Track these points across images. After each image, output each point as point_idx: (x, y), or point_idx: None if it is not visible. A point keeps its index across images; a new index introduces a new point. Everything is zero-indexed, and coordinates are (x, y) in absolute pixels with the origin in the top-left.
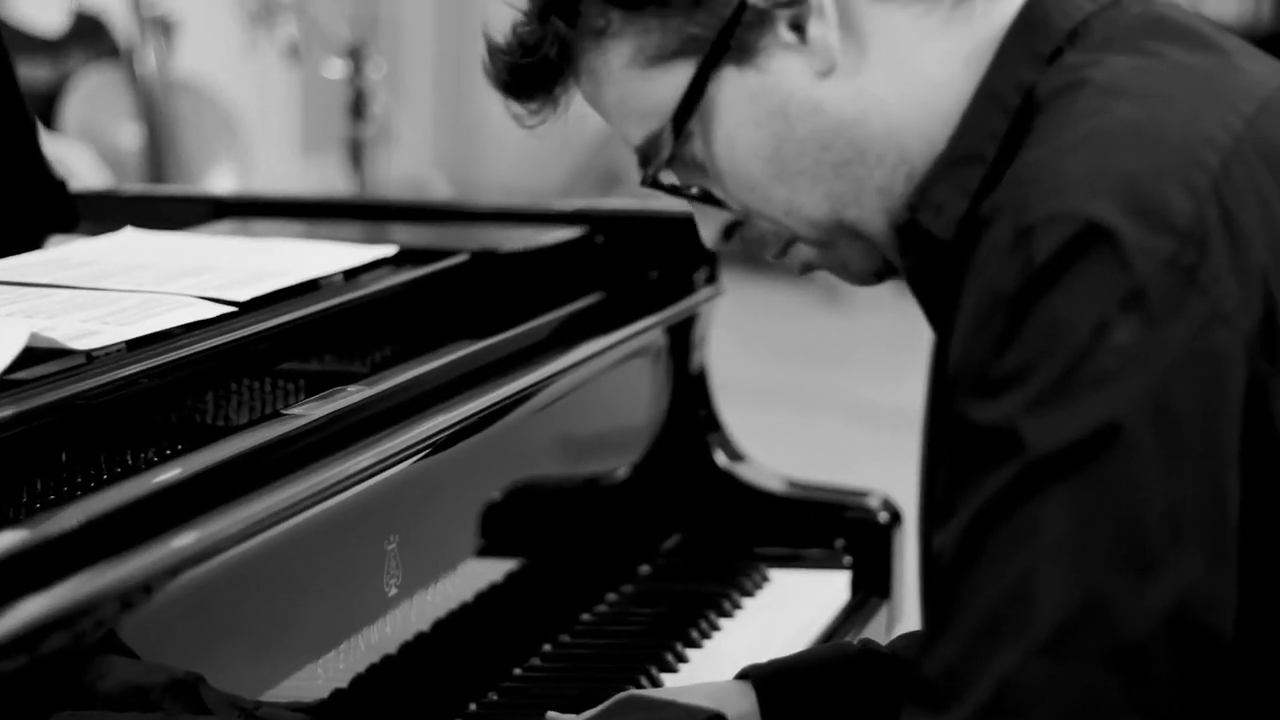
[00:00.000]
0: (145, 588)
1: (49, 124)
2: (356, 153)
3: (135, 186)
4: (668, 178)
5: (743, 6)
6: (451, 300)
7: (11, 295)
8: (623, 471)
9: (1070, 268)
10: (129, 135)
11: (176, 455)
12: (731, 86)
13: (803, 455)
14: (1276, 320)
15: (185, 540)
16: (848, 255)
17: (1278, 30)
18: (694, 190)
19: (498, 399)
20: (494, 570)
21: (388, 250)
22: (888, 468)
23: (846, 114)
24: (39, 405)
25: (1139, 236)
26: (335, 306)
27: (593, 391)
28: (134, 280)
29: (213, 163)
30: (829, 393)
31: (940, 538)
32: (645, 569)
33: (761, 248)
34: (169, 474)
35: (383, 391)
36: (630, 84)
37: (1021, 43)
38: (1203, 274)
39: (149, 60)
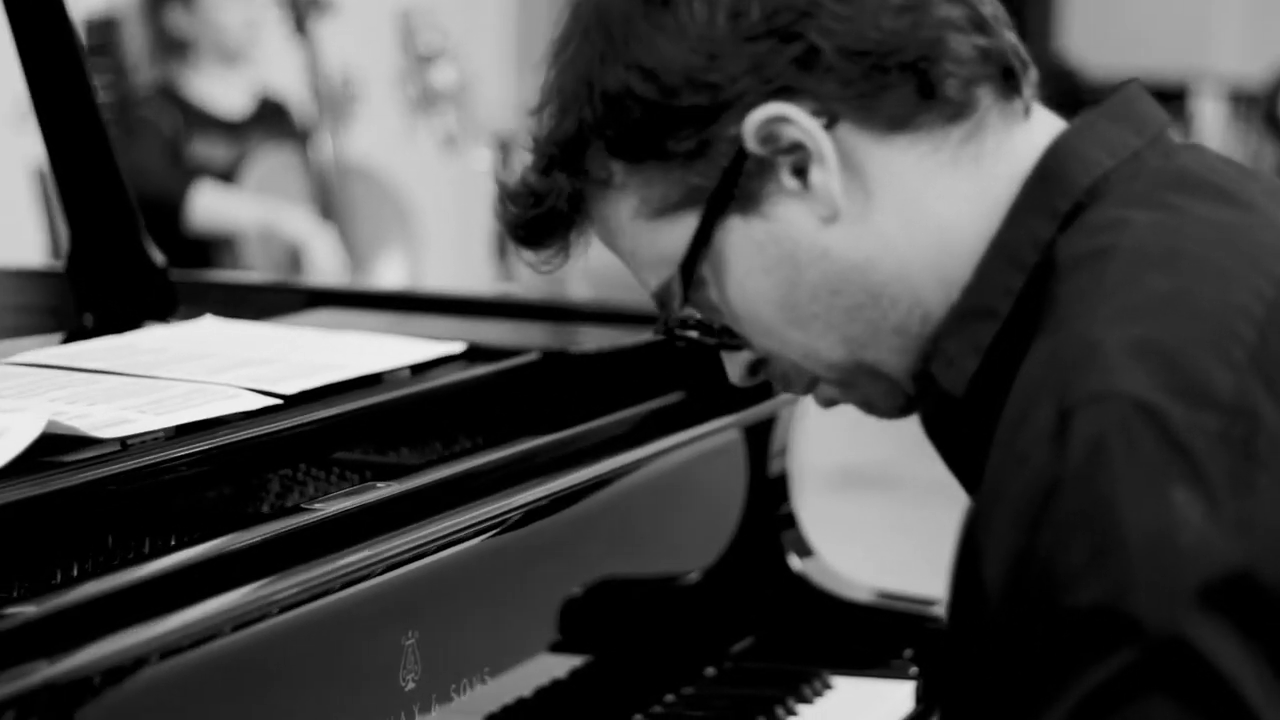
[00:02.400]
0: (133, 662)
1: None
2: (503, 244)
3: (237, 274)
4: (684, 326)
5: (742, 155)
6: (510, 398)
7: (64, 380)
8: (695, 576)
9: (1121, 449)
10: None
11: (186, 543)
12: (738, 235)
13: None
14: None
15: (175, 621)
16: (871, 393)
17: None
18: (710, 340)
19: (523, 501)
20: (554, 667)
21: (456, 347)
22: None
23: (855, 258)
24: (57, 489)
25: (1184, 414)
26: (379, 404)
27: (655, 493)
28: (190, 370)
29: (383, 249)
30: (930, 478)
31: None
32: (711, 671)
33: (787, 385)
34: (171, 559)
35: (408, 490)
36: (639, 235)
37: (1039, 196)
38: (1260, 445)
39: (325, 144)
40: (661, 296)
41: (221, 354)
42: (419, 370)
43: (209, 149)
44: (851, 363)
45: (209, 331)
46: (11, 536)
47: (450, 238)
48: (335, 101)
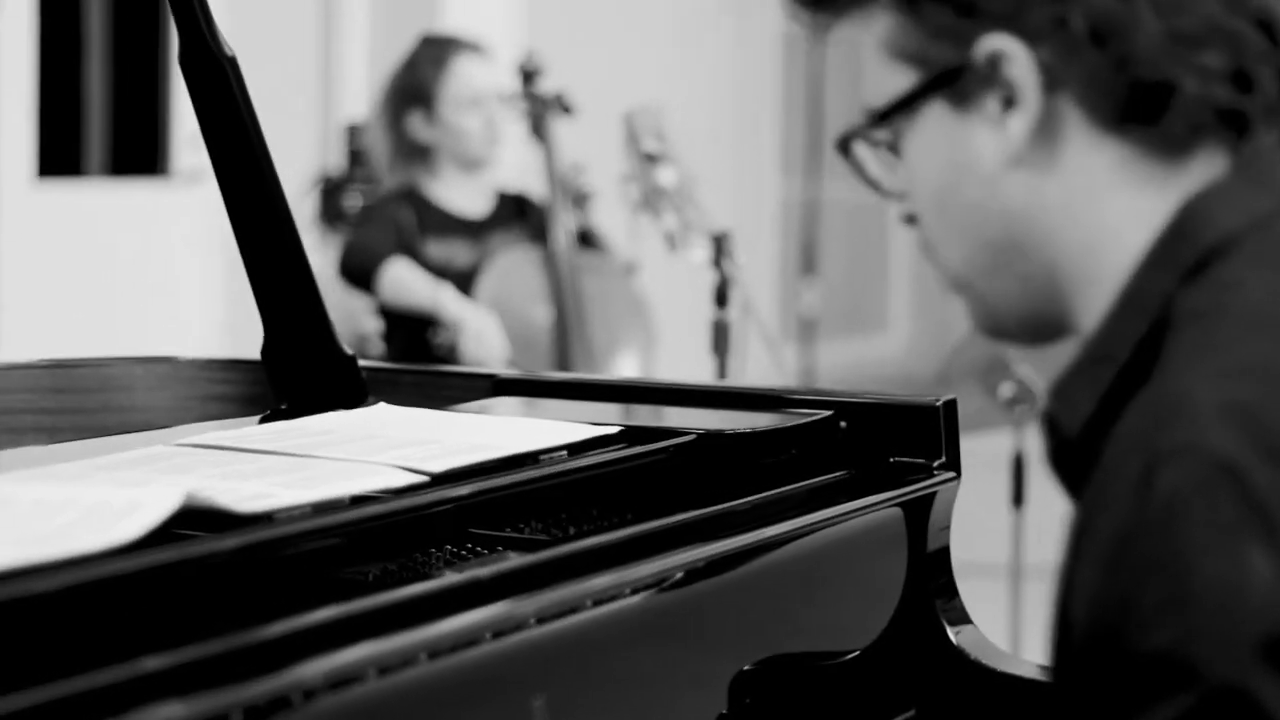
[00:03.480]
0: (267, 706)
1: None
2: (720, 337)
3: (421, 366)
4: (858, 157)
5: (968, 63)
6: (663, 478)
7: (227, 459)
8: (856, 652)
9: (1200, 504)
10: (542, 314)
11: (317, 605)
12: (936, 119)
13: None
14: None
15: (306, 673)
16: (975, 310)
17: None
18: (870, 184)
19: (654, 571)
20: None
21: (611, 429)
22: None
23: (1013, 206)
24: (195, 555)
25: (1266, 474)
26: (520, 481)
27: (813, 571)
28: (350, 450)
29: (619, 347)
30: None
31: None
32: None
33: (924, 249)
34: (306, 618)
35: (538, 560)
36: (878, 60)
37: (1169, 248)
38: None
39: (563, 241)
40: (863, 112)
41: (384, 436)
42: (576, 452)
43: (449, 250)
44: (964, 279)
45: (378, 416)
46: (147, 599)
47: (672, 334)
48: (575, 196)
